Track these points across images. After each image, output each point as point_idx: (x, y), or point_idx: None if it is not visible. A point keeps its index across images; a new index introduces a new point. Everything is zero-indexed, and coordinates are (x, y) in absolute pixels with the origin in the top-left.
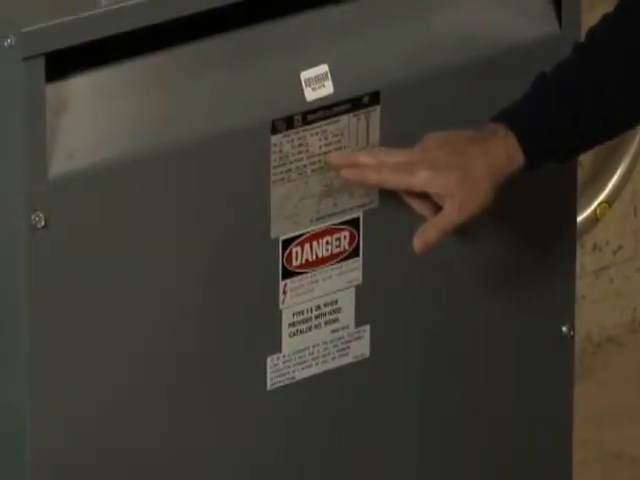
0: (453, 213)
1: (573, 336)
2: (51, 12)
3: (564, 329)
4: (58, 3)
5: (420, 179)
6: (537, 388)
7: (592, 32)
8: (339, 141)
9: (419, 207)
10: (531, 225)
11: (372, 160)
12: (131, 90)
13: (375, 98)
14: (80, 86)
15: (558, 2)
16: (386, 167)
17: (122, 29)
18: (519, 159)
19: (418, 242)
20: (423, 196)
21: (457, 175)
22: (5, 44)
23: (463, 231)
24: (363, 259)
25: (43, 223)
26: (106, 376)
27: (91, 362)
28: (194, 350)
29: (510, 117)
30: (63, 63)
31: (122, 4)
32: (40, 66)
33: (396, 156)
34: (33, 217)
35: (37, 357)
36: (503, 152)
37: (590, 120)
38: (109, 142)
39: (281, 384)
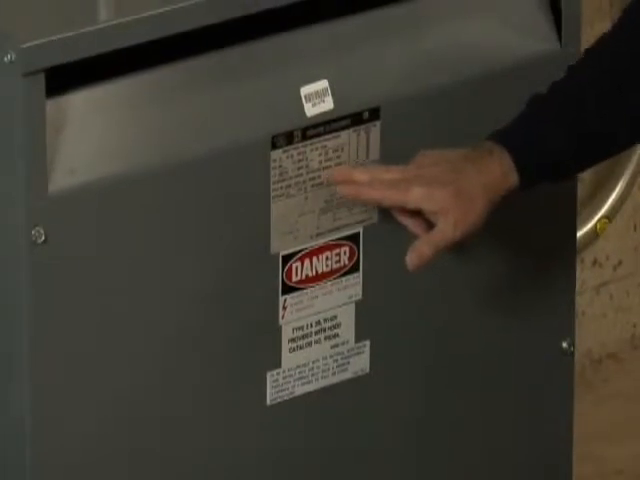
0: (448, 230)
1: (573, 352)
2: (51, 28)
3: (564, 345)
4: (58, 19)
5: (415, 196)
6: (537, 403)
7: (587, 52)
8: (339, 157)
9: (412, 225)
10: (531, 240)
11: (367, 177)
12: (131, 106)
13: (375, 114)
14: (80, 101)
15: (558, 19)
16: (381, 184)
17: (122, 44)
18: (514, 178)
19: (412, 258)
20: (416, 214)
21: (452, 192)
22: (5, 60)
23: (456, 249)
24: (363, 274)
25: (43, 238)
26: (105, 390)
27: (91, 375)
28: (194, 365)
29: (505, 136)
30: (63, 79)
31: (122, 19)
32: (40, 82)
33: (391, 173)
34: (33, 232)
35: (38, 370)
36: (498, 171)
37: (584, 139)
38: (109, 158)
39: (281, 399)
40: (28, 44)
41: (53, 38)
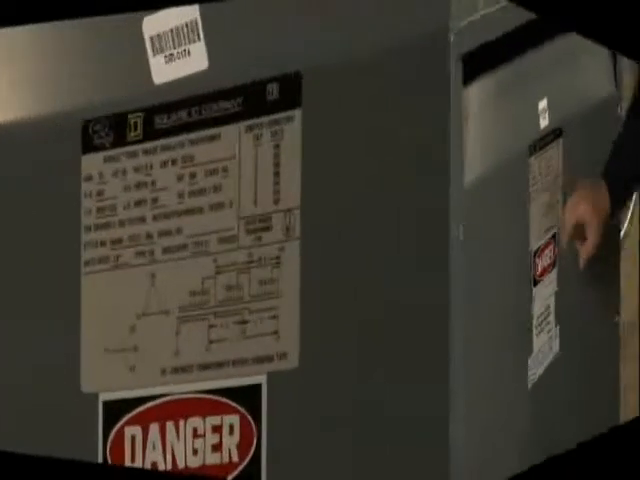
0: (592, 240)
1: (617, 322)
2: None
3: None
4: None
5: (582, 212)
6: None
7: None
8: (550, 166)
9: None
10: None
11: None
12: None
13: (558, 132)
14: (477, 91)
15: None
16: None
17: None
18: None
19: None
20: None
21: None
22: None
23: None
24: (558, 268)
25: (461, 236)
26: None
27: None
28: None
29: (606, 174)
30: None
31: None
32: (459, 66)
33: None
34: (453, 228)
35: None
36: (607, 202)
37: None
38: (496, 146)
39: (532, 382)
40: (464, 22)
41: (479, 15)
